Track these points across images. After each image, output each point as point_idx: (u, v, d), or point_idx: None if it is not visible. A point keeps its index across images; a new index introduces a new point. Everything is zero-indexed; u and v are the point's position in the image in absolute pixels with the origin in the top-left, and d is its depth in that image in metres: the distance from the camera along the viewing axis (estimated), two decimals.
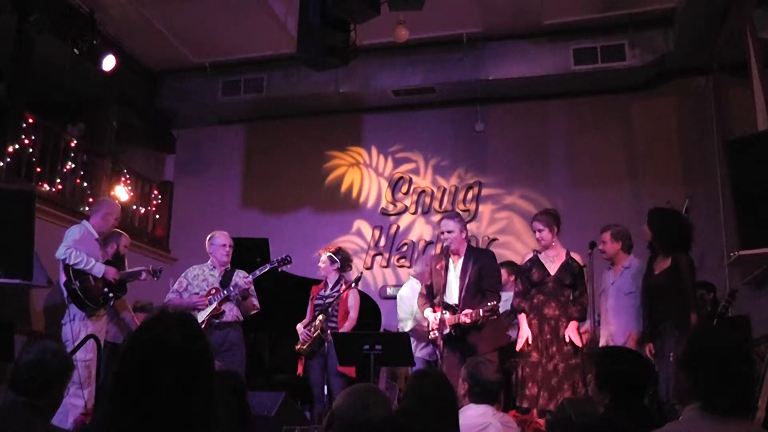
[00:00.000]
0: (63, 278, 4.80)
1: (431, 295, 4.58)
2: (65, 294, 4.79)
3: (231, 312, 4.92)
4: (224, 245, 5.07)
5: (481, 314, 4.17)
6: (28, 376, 2.24)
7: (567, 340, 4.36)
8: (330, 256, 5.13)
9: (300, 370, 5.02)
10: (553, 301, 4.44)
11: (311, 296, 5.20)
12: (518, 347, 4.47)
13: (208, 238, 5.17)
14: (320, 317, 4.88)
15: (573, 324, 4.42)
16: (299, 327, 5.01)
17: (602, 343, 4.77)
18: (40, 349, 2.36)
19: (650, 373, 2.67)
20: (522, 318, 4.52)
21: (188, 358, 1.31)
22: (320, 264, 5.18)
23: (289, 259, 5.03)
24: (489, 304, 4.20)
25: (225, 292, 4.89)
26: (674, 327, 4.00)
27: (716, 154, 6.51)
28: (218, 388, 2.09)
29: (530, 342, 4.40)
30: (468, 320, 4.20)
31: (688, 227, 4.37)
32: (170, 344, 1.30)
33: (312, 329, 4.88)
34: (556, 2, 6.60)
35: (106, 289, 4.84)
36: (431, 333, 4.46)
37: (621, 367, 2.48)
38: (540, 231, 4.59)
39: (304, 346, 4.91)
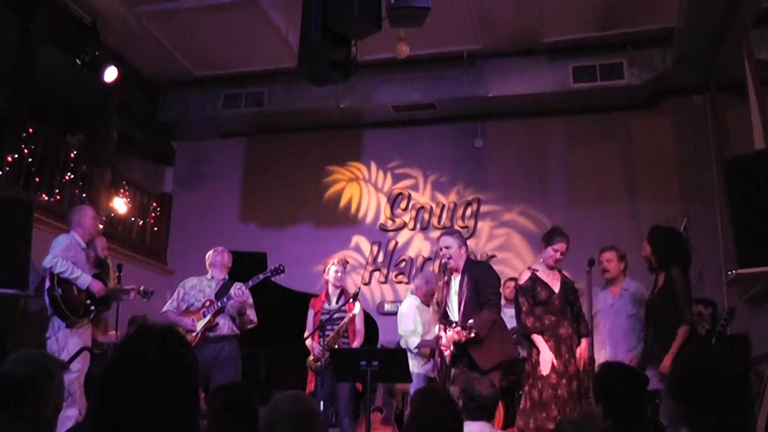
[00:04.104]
0: (47, 284, 4.77)
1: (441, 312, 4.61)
2: (48, 302, 4.76)
3: (225, 325, 4.88)
4: (223, 255, 5.09)
5: (465, 335, 4.12)
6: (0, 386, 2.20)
7: (579, 358, 4.31)
8: (344, 264, 5.14)
9: (311, 386, 4.95)
10: (564, 320, 4.36)
11: (315, 310, 5.14)
12: (545, 372, 4.19)
13: (207, 255, 5.16)
14: (332, 333, 4.85)
15: (585, 341, 4.38)
16: (309, 342, 4.95)
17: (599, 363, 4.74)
18: (12, 359, 2.30)
19: (646, 390, 2.64)
20: (541, 339, 4.29)
21: (167, 373, 1.30)
22: (334, 273, 5.12)
23: (282, 268, 4.98)
24: (472, 326, 4.13)
25: (219, 303, 4.85)
26: (663, 350, 3.99)
27: (714, 172, 6.54)
28: (225, 401, 2.10)
29: (555, 365, 4.21)
30: (457, 338, 4.17)
31: (685, 244, 4.45)
32: (148, 359, 1.30)
33: (326, 345, 4.83)
34: (556, 20, 6.65)
35: (88, 302, 4.80)
36: (442, 348, 4.39)
37: (614, 381, 2.49)
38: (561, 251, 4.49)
39: (318, 362, 4.86)
